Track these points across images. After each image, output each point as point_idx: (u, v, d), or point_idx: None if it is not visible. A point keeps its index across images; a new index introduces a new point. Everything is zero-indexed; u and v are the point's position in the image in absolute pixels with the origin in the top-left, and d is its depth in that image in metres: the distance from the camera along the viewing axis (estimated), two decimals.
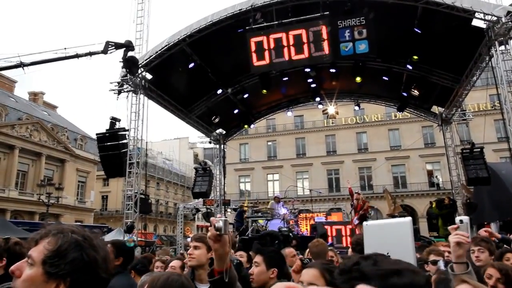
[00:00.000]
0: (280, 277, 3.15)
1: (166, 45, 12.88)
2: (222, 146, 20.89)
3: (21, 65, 10.68)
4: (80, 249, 1.27)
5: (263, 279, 3.13)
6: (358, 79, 14.16)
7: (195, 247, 2.96)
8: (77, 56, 10.88)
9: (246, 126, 20.96)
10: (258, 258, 3.25)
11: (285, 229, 11.86)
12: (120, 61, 11.86)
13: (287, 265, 3.63)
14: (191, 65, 14.06)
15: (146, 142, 13.49)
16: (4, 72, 33.12)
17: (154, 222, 50.02)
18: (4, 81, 39.85)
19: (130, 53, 11.98)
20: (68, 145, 39.88)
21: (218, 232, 1.86)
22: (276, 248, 4.83)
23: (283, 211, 14.24)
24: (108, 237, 17.87)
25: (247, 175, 44.23)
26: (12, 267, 1.30)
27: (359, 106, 20.50)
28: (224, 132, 20.74)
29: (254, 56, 11.52)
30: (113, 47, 11.36)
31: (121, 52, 11.87)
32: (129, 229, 12.32)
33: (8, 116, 35.23)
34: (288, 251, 4.83)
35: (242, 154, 43.73)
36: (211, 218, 1.93)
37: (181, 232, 23.03)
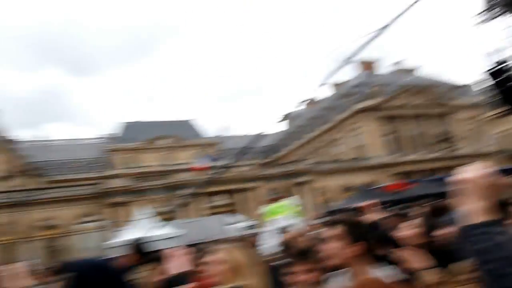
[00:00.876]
0: None
1: None
2: None
3: (382, 29, 11.29)
4: None
5: None
6: None
7: None
8: None
9: None
10: None
11: None
12: None
13: None
14: None
15: None
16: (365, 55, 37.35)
17: None
18: (366, 63, 45.08)
19: None
20: (443, 100, 40.40)
21: None
22: None
23: None
24: None
25: None
26: None
27: None
28: None
29: None
30: None
31: None
32: None
33: (385, 91, 39.11)
34: None
35: None
36: None
37: None
